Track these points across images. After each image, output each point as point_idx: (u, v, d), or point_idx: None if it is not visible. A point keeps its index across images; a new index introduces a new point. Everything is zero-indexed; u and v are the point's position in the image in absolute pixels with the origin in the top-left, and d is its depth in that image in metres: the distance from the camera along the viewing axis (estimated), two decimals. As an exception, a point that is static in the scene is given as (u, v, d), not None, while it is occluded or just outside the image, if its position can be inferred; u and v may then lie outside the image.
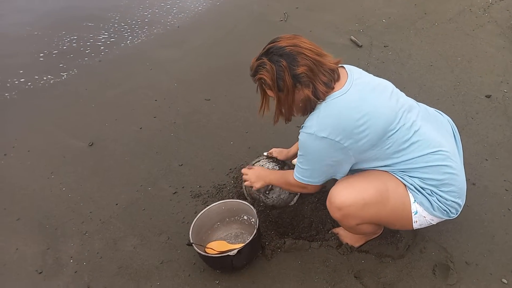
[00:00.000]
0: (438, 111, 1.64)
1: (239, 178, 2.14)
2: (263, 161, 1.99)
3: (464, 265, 1.63)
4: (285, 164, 2.00)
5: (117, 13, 4.46)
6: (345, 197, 1.44)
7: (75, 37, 4.03)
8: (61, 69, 3.50)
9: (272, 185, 1.86)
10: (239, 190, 2.07)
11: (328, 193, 1.51)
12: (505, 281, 1.56)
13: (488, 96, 2.62)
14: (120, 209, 2.10)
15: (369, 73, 1.55)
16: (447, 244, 1.72)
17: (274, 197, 1.88)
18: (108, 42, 3.91)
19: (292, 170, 1.60)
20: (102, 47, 3.82)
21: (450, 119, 1.63)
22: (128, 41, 3.90)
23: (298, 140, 1.93)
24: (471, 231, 1.76)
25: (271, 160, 1.99)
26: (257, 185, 1.75)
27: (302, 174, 1.52)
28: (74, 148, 2.57)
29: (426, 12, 3.82)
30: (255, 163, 2.01)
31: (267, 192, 1.87)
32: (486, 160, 2.13)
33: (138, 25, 4.19)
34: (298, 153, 1.50)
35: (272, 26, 3.81)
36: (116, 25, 4.23)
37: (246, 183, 1.80)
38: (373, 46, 3.33)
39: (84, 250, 1.90)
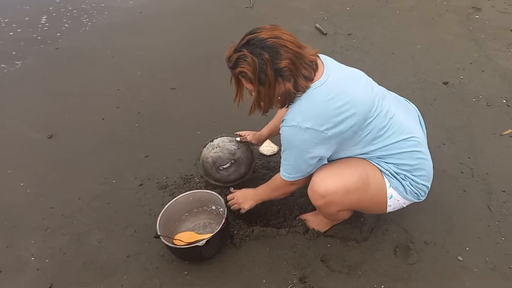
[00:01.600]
0: (406, 99, 1.69)
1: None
2: (224, 138, 1.98)
3: (423, 245, 1.72)
4: (250, 145, 2.00)
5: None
6: (328, 184, 1.45)
7: (25, 23, 3.81)
8: (15, 57, 3.31)
9: (227, 164, 1.92)
10: (206, 180, 2.05)
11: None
12: (460, 258, 1.66)
13: (445, 83, 2.73)
14: (84, 203, 2.03)
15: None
16: (408, 226, 1.80)
17: (224, 174, 1.95)
18: (64, 28, 3.72)
19: (274, 175, 1.61)
20: (58, 34, 3.64)
21: (416, 108, 1.70)
22: (87, 27, 3.74)
23: (266, 125, 1.96)
24: (430, 213, 1.85)
25: (233, 139, 1.97)
26: (246, 206, 1.74)
27: (289, 172, 1.51)
28: (33, 140, 2.45)
29: (388, 0, 3.90)
30: (215, 139, 1.99)
31: (220, 168, 1.93)
32: (444, 144, 2.23)
33: (97, 11, 4.02)
34: (282, 149, 1.49)
35: (238, 13, 3.76)
36: (70, 11, 4.03)
37: (233, 206, 1.78)
38: (337, 34, 3.37)
39: (46, 246, 1.83)
